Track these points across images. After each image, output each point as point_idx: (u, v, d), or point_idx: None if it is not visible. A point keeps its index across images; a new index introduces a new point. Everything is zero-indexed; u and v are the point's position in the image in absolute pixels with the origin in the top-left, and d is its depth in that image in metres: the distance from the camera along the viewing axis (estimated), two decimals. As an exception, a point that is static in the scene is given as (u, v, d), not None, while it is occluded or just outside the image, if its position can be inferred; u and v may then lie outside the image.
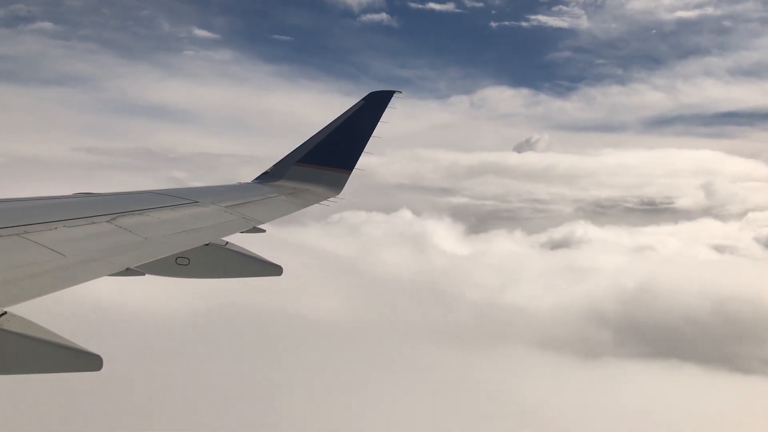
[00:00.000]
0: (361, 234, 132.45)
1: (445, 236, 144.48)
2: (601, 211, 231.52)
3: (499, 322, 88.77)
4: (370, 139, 14.72)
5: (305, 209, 12.81)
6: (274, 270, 8.50)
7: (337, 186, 14.69)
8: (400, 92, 14.86)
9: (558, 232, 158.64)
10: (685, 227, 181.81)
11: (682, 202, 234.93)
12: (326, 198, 14.07)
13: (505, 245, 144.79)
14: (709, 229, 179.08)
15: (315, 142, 14.73)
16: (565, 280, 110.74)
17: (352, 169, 14.85)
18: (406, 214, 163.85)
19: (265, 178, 14.38)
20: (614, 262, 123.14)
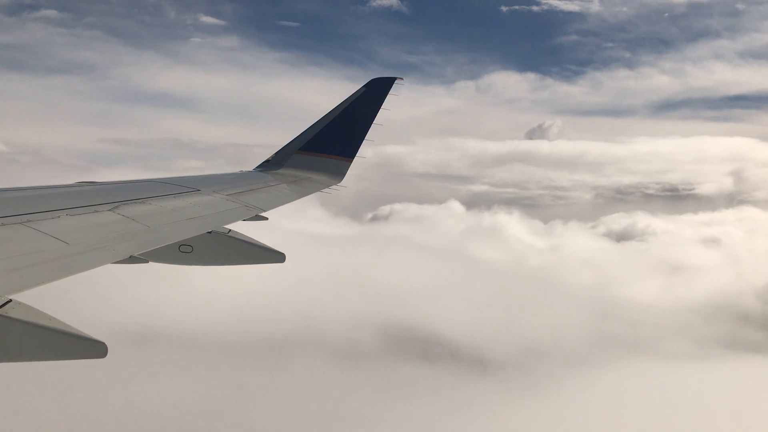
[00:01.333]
0: (442, 229, 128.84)
1: (517, 228, 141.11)
2: (621, 198, 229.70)
3: (669, 323, 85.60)
4: (372, 126, 14.70)
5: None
6: (277, 257, 8.53)
7: (339, 174, 14.69)
8: (402, 79, 14.81)
9: (612, 222, 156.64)
10: (725, 215, 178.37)
11: (704, 189, 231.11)
12: (328, 186, 14.07)
13: (574, 237, 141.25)
14: (754, 216, 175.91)
15: (316, 130, 14.70)
16: (672, 274, 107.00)
17: (353, 157, 14.84)
18: (455, 206, 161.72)
19: (267, 166, 14.38)
20: (705, 254, 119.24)
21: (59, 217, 6.15)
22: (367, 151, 14.83)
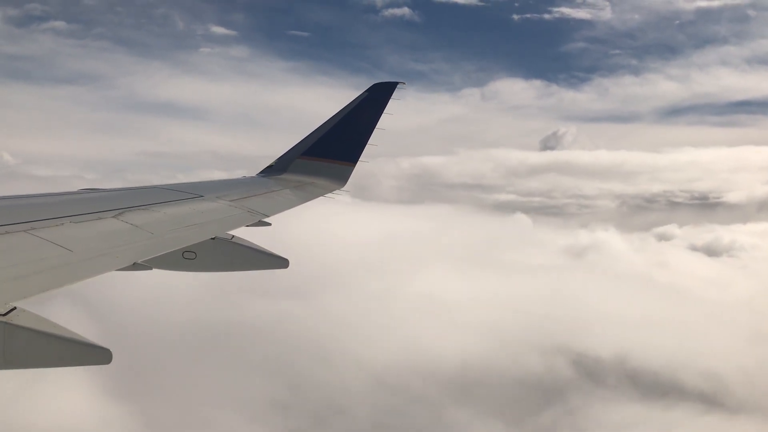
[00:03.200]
0: (545, 247, 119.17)
1: (616, 242, 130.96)
2: (646, 206, 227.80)
3: None
4: (375, 130, 14.69)
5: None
6: (281, 263, 8.53)
7: (342, 179, 14.68)
8: (404, 83, 14.81)
9: (686, 235, 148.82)
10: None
11: (733, 197, 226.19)
12: (331, 191, 14.07)
13: (674, 253, 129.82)
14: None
15: (319, 135, 14.71)
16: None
17: (356, 162, 14.84)
18: (521, 218, 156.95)
19: (270, 171, 14.39)
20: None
21: (63, 224, 6.17)
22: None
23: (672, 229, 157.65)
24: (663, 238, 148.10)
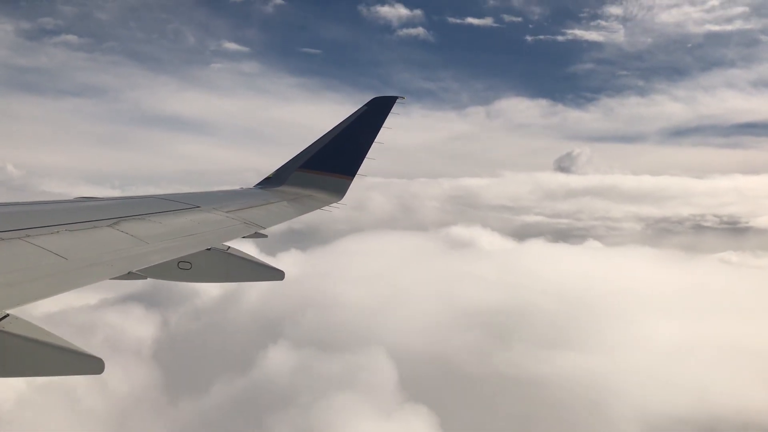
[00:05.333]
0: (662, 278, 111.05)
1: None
2: (670, 229, 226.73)
3: None
4: (374, 144, 14.71)
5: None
6: (276, 275, 8.50)
7: (340, 192, 14.67)
8: (403, 98, 14.85)
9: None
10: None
11: (761, 222, 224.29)
12: (328, 204, 14.06)
13: (720, 270, 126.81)
14: None
15: (317, 148, 14.72)
16: None
17: (354, 175, 14.84)
18: (594, 244, 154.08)
19: (267, 183, 14.38)
20: None
21: (58, 232, 6.14)
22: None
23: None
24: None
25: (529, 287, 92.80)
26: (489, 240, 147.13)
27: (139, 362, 73.02)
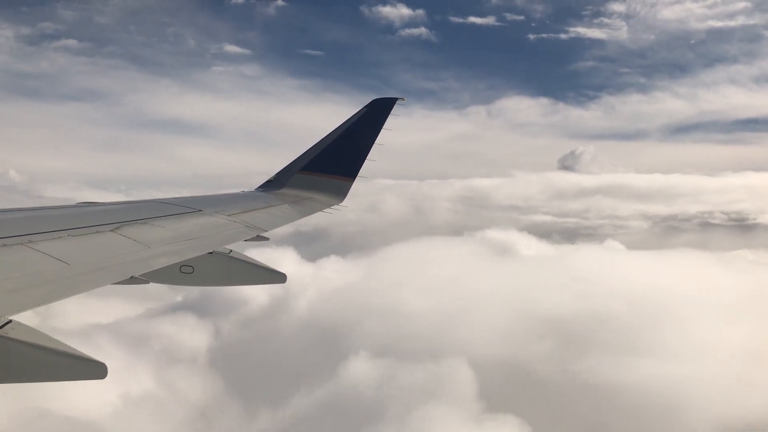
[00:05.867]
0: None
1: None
2: (677, 226, 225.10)
3: None
4: (374, 146, 14.72)
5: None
6: (279, 278, 8.50)
7: (340, 194, 14.69)
8: (403, 99, 14.87)
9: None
10: None
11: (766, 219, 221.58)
12: (329, 206, 14.08)
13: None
14: None
15: (318, 150, 14.74)
16: None
17: (355, 177, 14.86)
18: (614, 245, 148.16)
19: (268, 186, 14.40)
20: None
21: (60, 237, 6.15)
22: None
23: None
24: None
25: (592, 292, 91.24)
26: (526, 243, 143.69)
27: (205, 372, 72.49)
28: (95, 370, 4.59)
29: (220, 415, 64.51)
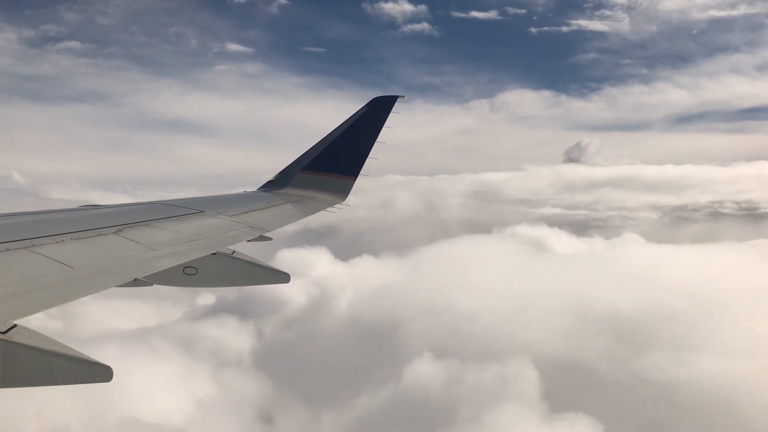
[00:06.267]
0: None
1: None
2: (687, 216, 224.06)
3: None
4: (376, 144, 14.71)
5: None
6: (282, 277, 8.49)
7: (343, 193, 14.69)
8: (404, 97, 14.85)
9: None
10: None
11: None
12: (332, 205, 14.07)
13: None
14: None
15: (319, 149, 14.73)
16: None
17: (357, 176, 14.85)
18: (633, 236, 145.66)
19: (270, 186, 14.40)
20: None
21: (63, 241, 6.16)
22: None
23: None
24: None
25: (641, 287, 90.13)
26: (558, 238, 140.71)
27: (260, 374, 72.11)
28: (101, 373, 4.59)
29: (285, 417, 64.33)
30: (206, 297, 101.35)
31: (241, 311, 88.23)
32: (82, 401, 51.15)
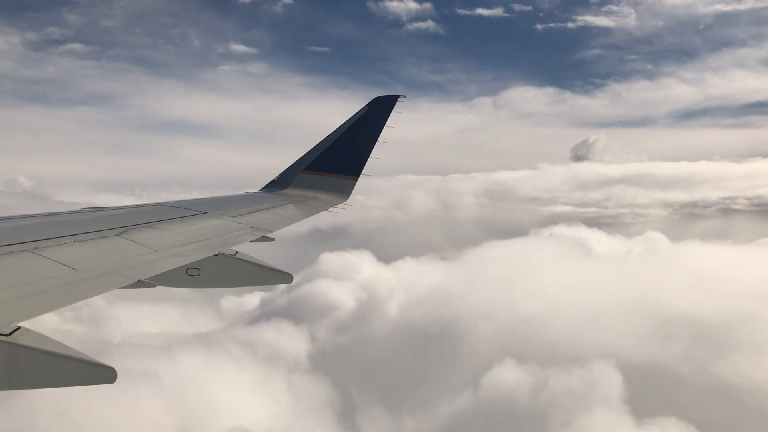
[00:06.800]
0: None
1: None
2: (697, 213, 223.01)
3: None
4: (377, 143, 14.72)
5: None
6: (285, 278, 8.50)
7: (345, 193, 14.69)
8: (405, 96, 14.86)
9: None
10: None
11: None
12: (334, 205, 14.08)
13: None
14: None
15: (321, 149, 14.74)
16: None
17: (358, 175, 14.86)
18: (655, 235, 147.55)
19: (273, 186, 14.42)
20: None
21: (66, 243, 6.17)
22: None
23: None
24: None
25: (713, 289, 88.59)
26: (597, 238, 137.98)
27: (322, 379, 71.51)
28: (104, 374, 4.61)
29: (369, 423, 63.84)
30: (251, 300, 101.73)
31: (293, 315, 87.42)
32: (176, 411, 51.61)
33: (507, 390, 64.96)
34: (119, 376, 4.58)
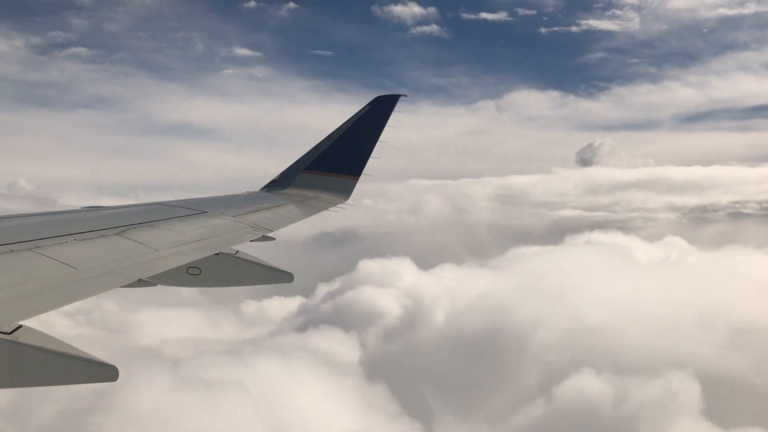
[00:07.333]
0: None
1: None
2: (705, 217, 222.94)
3: None
4: (378, 143, 14.70)
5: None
6: (286, 277, 8.49)
7: (345, 192, 14.68)
8: (406, 96, 14.84)
9: None
10: None
11: None
12: (335, 204, 14.06)
13: None
14: None
15: (322, 149, 14.72)
16: None
17: (359, 175, 14.84)
18: (677, 240, 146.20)
19: (273, 186, 14.40)
20: None
21: (67, 242, 6.17)
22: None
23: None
24: None
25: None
26: (636, 245, 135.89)
27: (383, 387, 69.64)
28: (106, 372, 4.60)
29: (446, 430, 62.91)
30: (278, 305, 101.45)
31: (341, 322, 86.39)
32: (264, 418, 51.39)
33: (588, 400, 64.00)
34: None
